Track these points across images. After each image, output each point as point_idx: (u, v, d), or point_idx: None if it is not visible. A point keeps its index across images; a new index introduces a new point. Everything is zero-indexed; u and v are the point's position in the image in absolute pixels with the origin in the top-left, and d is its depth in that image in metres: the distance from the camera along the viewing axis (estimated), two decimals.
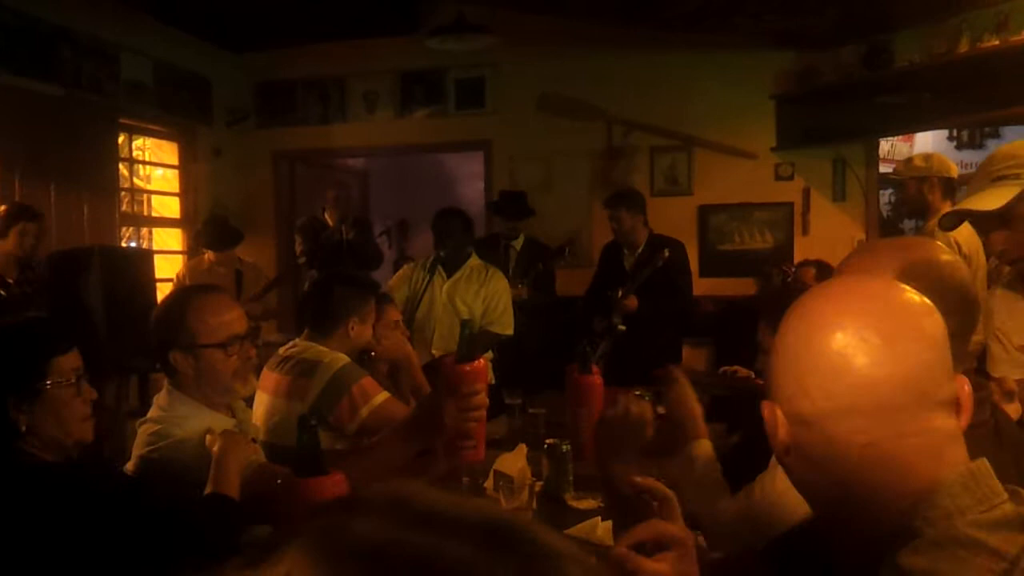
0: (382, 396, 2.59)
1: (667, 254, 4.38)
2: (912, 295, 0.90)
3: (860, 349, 0.84)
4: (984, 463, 0.86)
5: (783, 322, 0.92)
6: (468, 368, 1.93)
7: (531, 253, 5.03)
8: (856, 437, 0.85)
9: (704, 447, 1.88)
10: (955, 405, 0.87)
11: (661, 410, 2.18)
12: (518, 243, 5.11)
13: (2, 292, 4.07)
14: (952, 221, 2.08)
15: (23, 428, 1.57)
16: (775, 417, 0.91)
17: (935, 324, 0.88)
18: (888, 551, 0.82)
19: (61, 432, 1.61)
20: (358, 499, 0.52)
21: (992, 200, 1.86)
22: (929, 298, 0.91)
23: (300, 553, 0.48)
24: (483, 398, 1.96)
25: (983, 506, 0.82)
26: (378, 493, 0.52)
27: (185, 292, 2.28)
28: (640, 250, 4.65)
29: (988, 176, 1.92)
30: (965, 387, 0.89)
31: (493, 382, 4.08)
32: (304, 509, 1.37)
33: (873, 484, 0.85)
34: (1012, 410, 1.71)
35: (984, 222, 1.93)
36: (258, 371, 2.59)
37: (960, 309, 1.15)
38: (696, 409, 1.94)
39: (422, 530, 0.48)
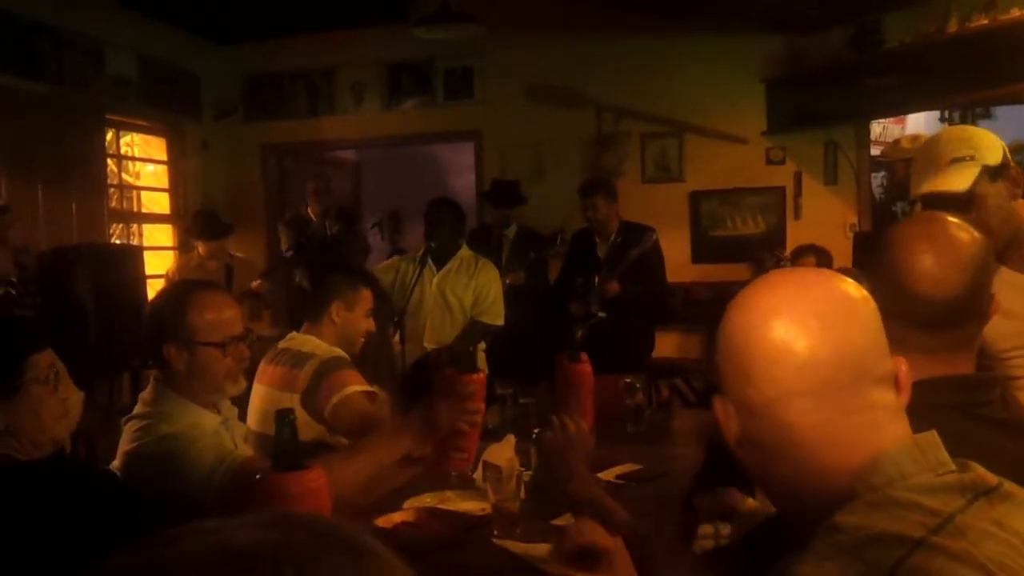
0: (355, 388, 2.58)
1: (654, 237, 4.40)
2: (847, 283, 0.93)
3: (800, 333, 0.88)
4: (932, 435, 0.89)
5: (724, 318, 0.95)
6: (468, 377, 1.96)
7: (524, 242, 5.02)
8: (804, 418, 0.87)
9: None
10: (894, 382, 0.91)
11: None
12: (511, 232, 5.10)
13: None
14: (925, 203, 2.08)
15: (2, 427, 1.56)
16: (726, 411, 0.94)
17: (869, 308, 0.92)
18: (828, 515, 0.84)
19: (38, 429, 1.60)
20: None
21: (958, 180, 1.87)
22: None
23: None
24: (478, 404, 1.98)
25: (927, 474, 0.85)
26: None
27: (186, 286, 2.27)
28: (612, 237, 4.65)
29: (942, 160, 1.92)
30: (902, 366, 0.92)
31: (486, 371, 4.07)
32: (281, 504, 1.36)
33: (823, 461, 0.87)
34: None
35: (941, 205, 1.93)
36: (252, 367, 2.59)
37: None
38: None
39: None
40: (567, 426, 1.68)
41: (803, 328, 0.88)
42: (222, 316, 1.96)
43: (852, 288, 0.93)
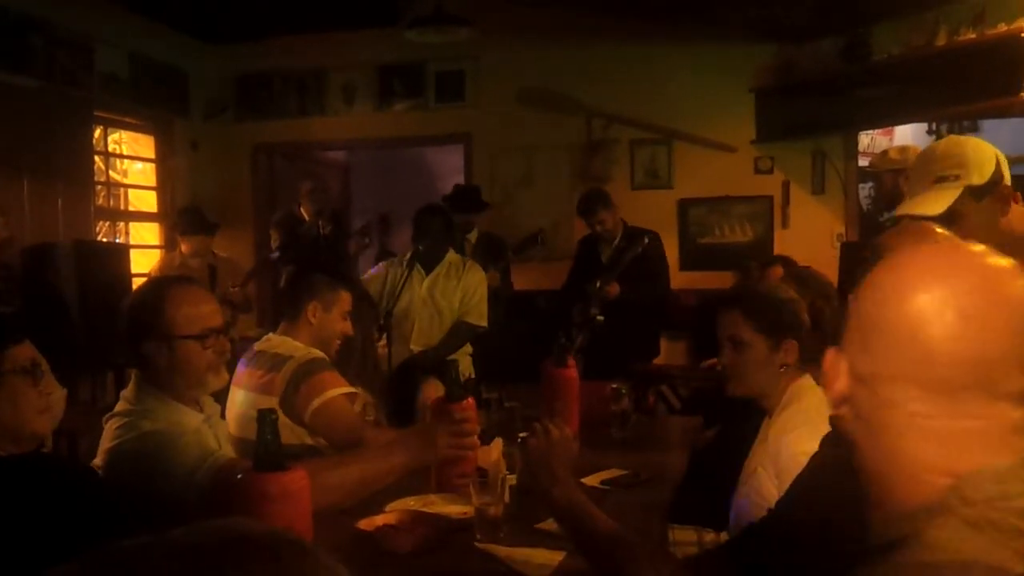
0: (337, 391, 2.57)
1: (647, 240, 4.41)
2: (1014, 275, 0.83)
3: (935, 321, 0.80)
4: None
5: (873, 271, 0.87)
6: (458, 406, 1.99)
7: (487, 246, 5.03)
8: (907, 406, 0.81)
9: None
10: None
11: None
12: (473, 236, 5.11)
13: None
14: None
15: None
16: (837, 366, 0.87)
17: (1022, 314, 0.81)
18: (916, 524, 0.78)
19: (18, 422, 1.59)
20: None
21: (936, 204, 1.88)
22: None
23: None
24: (473, 427, 2.00)
25: None
26: None
27: (162, 282, 2.26)
28: (617, 242, 4.67)
29: (929, 177, 1.93)
30: None
31: (472, 375, 4.07)
32: (262, 504, 1.35)
33: (914, 455, 0.81)
34: None
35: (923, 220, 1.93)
36: (232, 365, 2.57)
37: None
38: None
39: None
40: (550, 431, 1.68)
41: (940, 317, 0.80)
42: (200, 310, 1.96)
43: (1019, 287, 0.82)
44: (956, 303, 0.80)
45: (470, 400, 2.05)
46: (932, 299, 0.80)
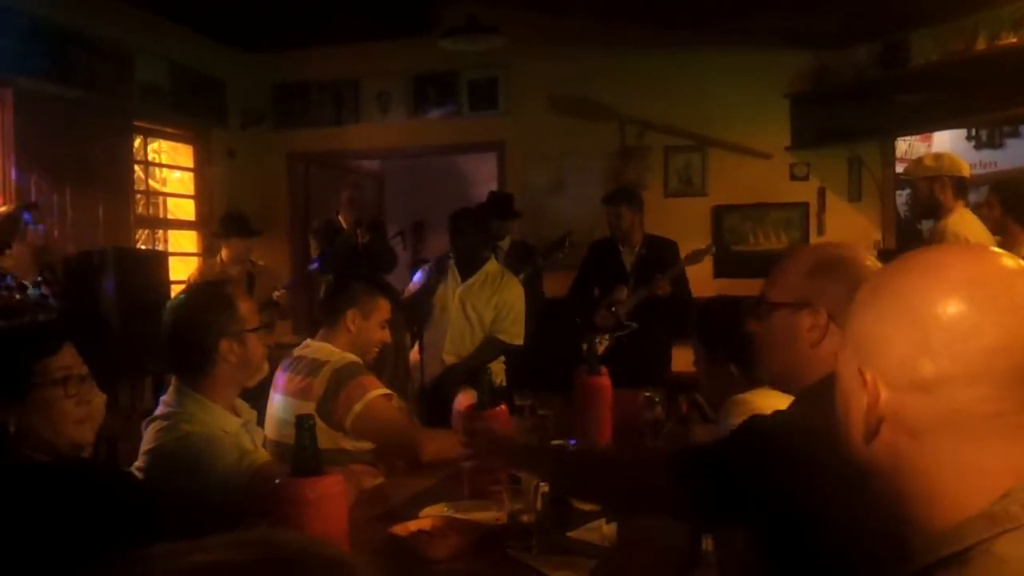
0: (377, 392, 2.60)
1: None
2: None
3: (990, 311, 0.76)
4: None
5: (894, 275, 0.83)
6: (488, 414, 2.01)
7: (518, 253, 5.05)
8: (980, 407, 0.76)
9: None
10: None
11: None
12: (505, 243, 5.12)
13: (18, 296, 4.07)
14: None
15: (12, 429, 1.57)
16: (873, 385, 0.80)
17: None
18: (980, 534, 0.73)
19: (52, 434, 1.61)
20: None
21: None
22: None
23: None
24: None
25: None
26: None
27: (216, 286, 2.43)
28: (638, 248, 4.67)
29: None
30: None
31: (504, 384, 4.07)
32: (299, 509, 1.37)
33: (987, 460, 0.76)
34: None
35: None
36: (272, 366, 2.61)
37: None
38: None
39: None
40: None
41: (993, 309, 0.76)
42: (251, 304, 2.16)
43: None
44: (1009, 297, 0.77)
45: (503, 407, 2.06)
46: (985, 294, 0.77)
